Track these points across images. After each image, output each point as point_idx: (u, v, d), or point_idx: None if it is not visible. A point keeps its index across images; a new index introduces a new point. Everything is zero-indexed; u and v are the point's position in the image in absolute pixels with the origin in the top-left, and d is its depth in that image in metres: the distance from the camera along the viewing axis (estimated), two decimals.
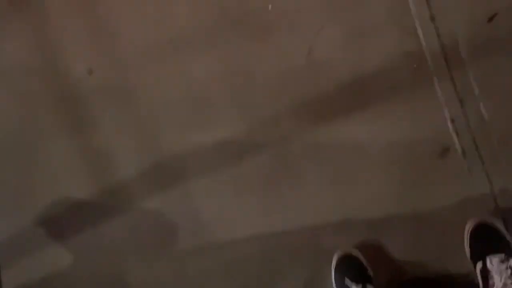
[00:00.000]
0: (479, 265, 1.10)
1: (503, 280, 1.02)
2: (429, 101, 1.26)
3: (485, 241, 1.12)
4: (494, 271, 1.04)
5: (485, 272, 1.06)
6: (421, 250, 1.26)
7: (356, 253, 1.24)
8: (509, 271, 1.04)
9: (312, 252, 1.32)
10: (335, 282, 1.22)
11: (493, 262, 1.05)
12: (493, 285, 1.04)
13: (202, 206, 1.39)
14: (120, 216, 1.43)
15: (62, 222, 1.45)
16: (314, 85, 1.34)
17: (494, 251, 1.08)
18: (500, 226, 1.14)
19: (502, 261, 1.05)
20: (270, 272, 1.35)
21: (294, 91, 1.35)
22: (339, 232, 1.30)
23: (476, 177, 1.22)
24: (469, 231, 1.15)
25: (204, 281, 1.39)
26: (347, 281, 1.17)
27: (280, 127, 1.36)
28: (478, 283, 1.10)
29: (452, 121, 1.24)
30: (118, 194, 1.43)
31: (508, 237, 1.12)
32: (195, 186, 1.39)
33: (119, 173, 1.43)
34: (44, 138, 1.47)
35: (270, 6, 1.37)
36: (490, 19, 1.24)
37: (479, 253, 1.11)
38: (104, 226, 1.43)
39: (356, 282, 1.17)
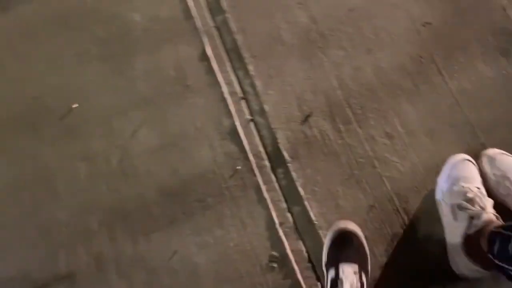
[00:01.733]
0: (331, 272, 1.01)
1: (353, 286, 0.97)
2: (256, 205, 1.17)
3: (342, 249, 1.06)
4: (345, 278, 0.98)
5: (336, 280, 0.99)
6: None
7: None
8: (359, 284, 0.99)
9: None
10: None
11: (345, 271, 1.00)
12: None
13: None
14: None
15: None
16: (130, 192, 1.17)
17: (349, 260, 1.02)
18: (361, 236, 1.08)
19: (355, 272, 1.00)
20: None
21: (107, 200, 1.16)
22: None
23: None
24: (330, 237, 1.08)
25: None
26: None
27: (92, 244, 1.13)
28: None
29: (281, 224, 1.16)
30: None
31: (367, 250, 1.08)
32: None
33: None
34: None
35: (74, 105, 1.20)
36: (305, 120, 1.26)
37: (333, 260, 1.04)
38: None
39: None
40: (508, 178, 1.08)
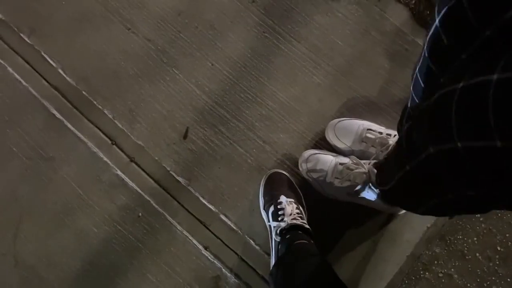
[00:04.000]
0: (270, 209, 1.05)
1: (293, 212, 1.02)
2: (174, 241, 1.12)
3: (275, 187, 1.11)
4: (286, 205, 1.03)
5: (276, 211, 1.04)
6: None
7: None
8: (298, 211, 1.04)
9: None
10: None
11: (283, 201, 1.05)
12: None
13: None
14: None
15: None
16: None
17: (284, 194, 1.07)
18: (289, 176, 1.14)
19: (292, 202, 1.05)
20: None
21: None
22: None
23: None
24: (263, 182, 1.13)
25: None
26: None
27: None
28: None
29: (206, 248, 1.12)
30: None
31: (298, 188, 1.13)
32: None
33: None
34: None
35: None
36: (185, 136, 1.21)
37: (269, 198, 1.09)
38: None
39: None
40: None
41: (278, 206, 1.04)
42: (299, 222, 1.00)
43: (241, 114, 1.23)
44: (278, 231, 1.00)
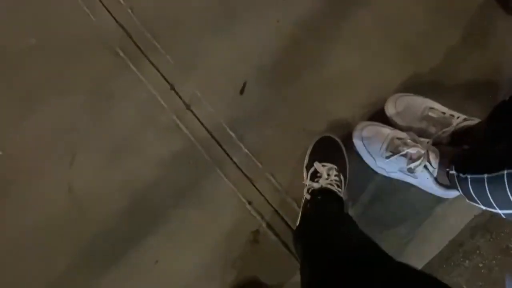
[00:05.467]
0: (311, 170, 1.04)
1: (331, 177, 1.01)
2: (219, 192, 1.14)
3: (322, 151, 1.10)
4: (324, 171, 1.02)
5: (315, 174, 1.03)
6: None
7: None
8: (337, 178, 1.02)
9: None
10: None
11: (325, 166, 1.03)
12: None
13: None
14: None
15: None
16: (92, 223, 1.10)
17: (328, 160, 1.06)
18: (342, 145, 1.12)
19: (332, 169, 1.03)
20: None
21: (71, 240, 1.09)
22: None
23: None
24: (313, 143, 1.12)
25: None
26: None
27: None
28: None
29: (250, 202, 1.14)
30: None
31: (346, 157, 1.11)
32: None
33: None
34: None
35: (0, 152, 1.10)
36: (242, 91, 1.21)
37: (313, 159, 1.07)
38: None
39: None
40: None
41: (318, 168, 1.03)
42: (333, 189, 0.99)
43: (299, 76, 1.22)
44: (309, 190, 1.00)
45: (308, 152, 1.12)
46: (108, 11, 1.26)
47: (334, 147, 1.11)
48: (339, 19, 1.24)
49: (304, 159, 1.13)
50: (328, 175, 1.01)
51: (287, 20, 1.25)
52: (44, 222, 1.09)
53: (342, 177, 1.04)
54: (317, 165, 1.04)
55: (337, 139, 1.12)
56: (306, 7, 1.25)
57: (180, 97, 1.20)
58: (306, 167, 1.10)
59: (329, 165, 1.04)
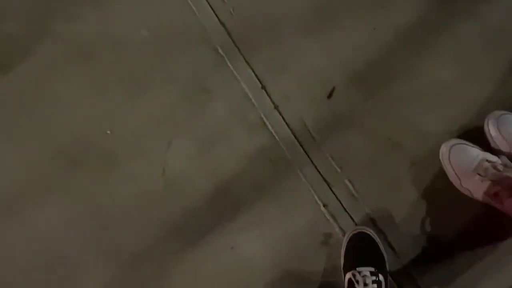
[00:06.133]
0: (347, 275, 1.03)
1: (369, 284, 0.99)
2: (296, 191, 1.19)
3: (358, 252, 1.09)
4: (361, 279, 1.00)
5: (352, 284, 1.01)
6: None
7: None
8: (375, 285, 1.00)
9: None
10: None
11: (362, 274, 1.01)
12: None
13: None
14: None
15: None
16: (178, 204, 1.21)
17: (365, 263, 1.04)
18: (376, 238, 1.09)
19: (371, 273, 1.01)
20: None
21: (158, 217, 1.21)
22: None
23: None
24: (345, 242, 1.10)
25: None
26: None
27: (153, 260, 1.19)
28: None
29: (325, 205, 1.17)
30: None
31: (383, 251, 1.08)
32: None
33: None
34: None
35: (108, 131, 1.25)
36: (330, 95, 1.24)
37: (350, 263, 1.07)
38: None
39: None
40: None
41: (354, 277, 1.02)
42: None
43: (390, 85, 1.21)
44: None
45: (342, 252, 1.11)
46: (212, 9, 1.34)
47: (368, 245, 1.09)
48: (440, 29, 1.20)
49: (386, 171, 1.13)
50: (366, 284, 1.00)
51: (384, 27, 1.23)
52: (137, 196, 1.22)
53: (381, 277, 1.03)
54: (353, 273, 1.03)
55: (369, 232, 1.10)
56: (406, 15, 1.23)
57: (269, 96, 1.26)
58: (343, 269, 1.09)
59: (365, 270, 1.02)
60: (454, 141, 1.10)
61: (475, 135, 1.11)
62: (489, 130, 1.08)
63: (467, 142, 1.09)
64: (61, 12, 1.37)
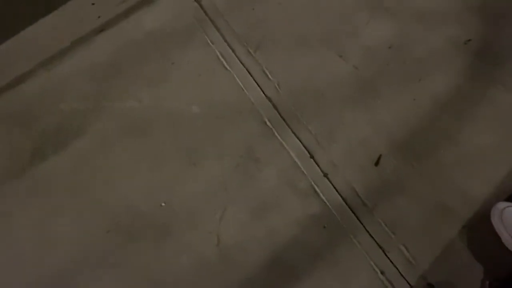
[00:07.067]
0: None
1: None
2: (352, 258, 1.20)
3: None
4: None
5: None
6: None
7: None
8: None
9: None
10: None
11: None
12: None
13: None
14: None
15: None
16: (233, 273, 1.22)
17: None
18: None
19: None
20: None
21: (212, 281, 1.21)
22: None
23: None
24: None
25: None
26: None
27: None
28: None
29: (382, 272, 1.18)
30: None
31: None
32: None
33: None
34: None
35: (163, 203, 1.29)
36: (377, 163, 1.29)
37: None
38: None
39: None
40: None
41: None
42: None
43: (434, 152, 1.26)
44: None
45: None
46: (259, 85, 1.44)
47: None
48: (477, 98, 1.28)
49: (439, 235, 1.15)
50: None
51: (424, 97, 1.31)
52: (194, 267, 1.23)
53: None
54: None
55: None
56: (443, 85, 1.31)
57: (318, 165, 1.31)
58: None
59: None
60: (504, 204, 1.13)
61: None
62: None
63: None
64: (117, 91, 1.46)
